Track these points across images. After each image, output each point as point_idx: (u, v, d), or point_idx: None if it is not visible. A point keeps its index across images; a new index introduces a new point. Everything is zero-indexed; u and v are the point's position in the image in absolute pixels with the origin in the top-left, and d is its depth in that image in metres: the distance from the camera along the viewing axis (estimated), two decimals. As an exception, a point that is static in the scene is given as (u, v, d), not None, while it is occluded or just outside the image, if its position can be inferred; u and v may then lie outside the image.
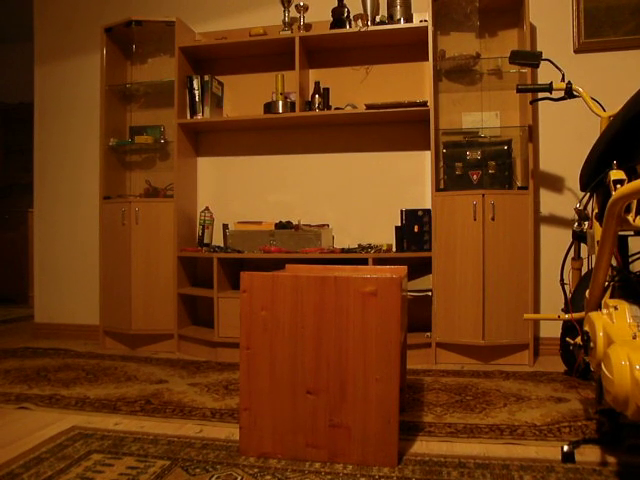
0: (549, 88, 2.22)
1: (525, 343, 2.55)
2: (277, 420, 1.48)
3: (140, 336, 3.00)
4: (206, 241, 3.05)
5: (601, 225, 1.32)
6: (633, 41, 2.66)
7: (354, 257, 2.67)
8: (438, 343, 2.62)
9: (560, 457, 1.43)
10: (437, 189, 2.64)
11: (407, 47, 2.91)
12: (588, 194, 1.84)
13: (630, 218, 1.26)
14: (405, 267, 1.88)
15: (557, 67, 2.20)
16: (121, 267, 2.98)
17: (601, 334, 1.27)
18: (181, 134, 3.03)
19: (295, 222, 3.02)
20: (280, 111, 2.85)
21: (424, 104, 2.67)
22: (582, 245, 2.15)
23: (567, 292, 2.22)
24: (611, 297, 1.43)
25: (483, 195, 2.53)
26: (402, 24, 2.74)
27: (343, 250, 2.79)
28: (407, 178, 2.97)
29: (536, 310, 2.71)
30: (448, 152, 2.71)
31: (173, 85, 2.99)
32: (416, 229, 2.68)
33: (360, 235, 3.00)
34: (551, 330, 2.68)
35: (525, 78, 2.61)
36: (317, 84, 2.94)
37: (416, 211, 2.70)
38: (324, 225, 2.99)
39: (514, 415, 1.82)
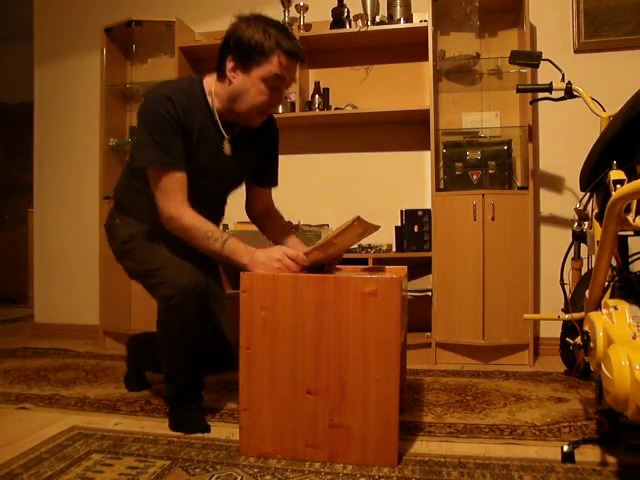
0: (549, 88, 2.21)
1: (525, 343, 2.55)
2: (277, 420, 1.48)
3: (140, 336, 2.99)
4: (206, 241, 3.04)
5: (601, 225, 1.32)
6: (633, 41, 2.66)
7: (354, 257, 2.67)
8: (438, 343, 2.62)
9: (560, 457, 1.43)
10: (437, 189, 2.63)
11: (407, 47, 2.90)
12: (588, 194, 1.84)
13: (630, 218, 1.26)
14: (405, 267, 1.88)
15: (557, 67, 2.20)
16: (121, 267, 2.97)
17: (601, 334, 1.27)
18: (181, 134, 3.02)
19: (295, 222, 3.02)
20: (280, 111, 2.84)
21: (424, 105, 2.67)
22: (582, 245, 2.15)
23: (567, 292, 2.22)
24: (611, 297, 1.43)
25: (483, 195, 2.53)
26: (402, 24, 2.74)
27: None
28: (407, 178, 2.97)
29: (536, 310, 2.71)
30: (448, 152, 2.70)
31: (173, 85, 2.98)
32: (416, 229, 2.68)
33: (360, 235, 2.99)
34: (551, 330, 2.67)
35: (525, 78, 2.61)
36: (317, 84, 2.93)
37: (416, 211, 2.69)
38: (324, 225, 2.99)
39: (514, 415, 1.82)
